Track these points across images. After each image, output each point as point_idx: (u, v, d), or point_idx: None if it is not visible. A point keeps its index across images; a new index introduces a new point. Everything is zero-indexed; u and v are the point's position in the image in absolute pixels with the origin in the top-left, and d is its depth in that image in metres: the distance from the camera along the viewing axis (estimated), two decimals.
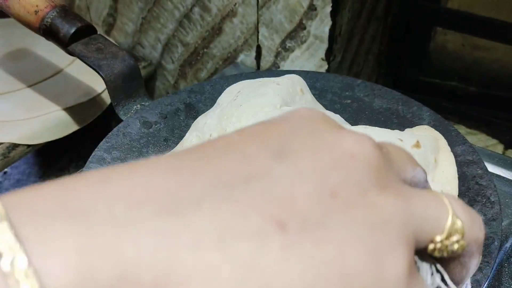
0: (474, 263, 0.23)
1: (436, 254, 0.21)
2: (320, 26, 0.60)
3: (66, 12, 0.50)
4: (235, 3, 0.64)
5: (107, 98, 0.69)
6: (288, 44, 0.63)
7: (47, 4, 0.50)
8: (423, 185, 0.24)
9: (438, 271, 0.22)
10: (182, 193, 0.17)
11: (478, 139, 0.71)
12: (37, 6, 0.50)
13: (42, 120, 0.64)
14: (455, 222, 0.21)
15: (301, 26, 0.61)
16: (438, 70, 0.74)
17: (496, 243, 0.38)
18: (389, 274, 0.18)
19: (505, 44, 0.65)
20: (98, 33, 0.53)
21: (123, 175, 0.17)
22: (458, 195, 0.43)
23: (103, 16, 0.79)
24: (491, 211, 0.40)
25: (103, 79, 0.49)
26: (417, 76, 0.75)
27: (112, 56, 0.51)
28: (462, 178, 0.44)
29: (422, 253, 0.21)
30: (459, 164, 0.45)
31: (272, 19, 0.63)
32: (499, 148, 0.71)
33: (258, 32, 0.65)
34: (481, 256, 0.24)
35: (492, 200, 0.41)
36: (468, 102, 0.73)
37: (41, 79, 0.69)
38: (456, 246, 0.21)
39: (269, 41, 0.65)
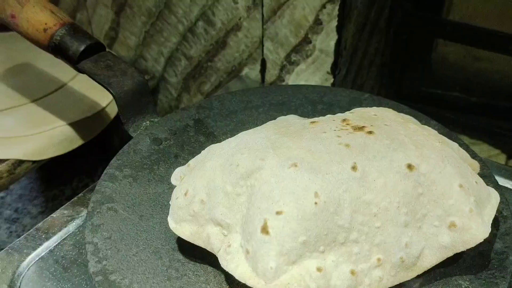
0: None
1: None
2: (326, 40, 0.60)
3: (75, 29, 0.50)
4: (240, 17, 0.65)
5: (111, 113, 0.69)
6: (293, 58, 0.64)
7: (56, 21, 0.50)
8: None
9: None
10: None
11: (481, 150, 0.72)
12: (46, 24, 0.50)
13: (47, 135, 0.64)
14: None
15: (306, 40, 0.62)
16: (440, 81, 0.75)
17: (510, 257, 0.38)
18: None
19: (507, 56, 0.66)
20: (107, 50, 0.53)
21: None
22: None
23: (105, 30, 0.79)
24: (504, 226, 0.41)
25: (113, 96, 0.49)
26: (419, 87, 0.75)
27: (122, 73, 0.51)
28: None
29: None
30: None
31: (277, 33, 0.63)
32: (501, 158, 0.72)
33: (263, 45, 0.65)
34: None
35: (505, 214, 0.41)
36: (470, 113, 0.74)
37: (44, 94, 0.69)
38: None
39: (274, 54, 0.65)
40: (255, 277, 0.33)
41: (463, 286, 0.37)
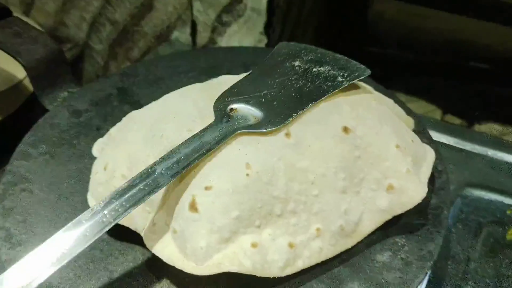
0: None
1: None
2: None
3: None
4: None
5: (30, 85, 0.64)
6: (225, 18, 0.60)
7: None
8: None
9: None
10: None
11: (418, 106, 0.72)
12: None
13: None
14: None
15: None
16: (377, 39, 0.74)
17: (445, 212, 0.38)
18: None
19: (443, 12, 0.66)
20: (15, 15, 0.48)
21: None
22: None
23: None
24: (439, 180, 0.41)
25: (23, 66, 0.45)
26: (355, 46, 0.74)
27: (32, 41, 0.46)
28: None
29: None
30: None
31: None
32: (437, 114, 0.73)
33: (192, 6, 0.62)
34: None
35: (440, 169, 0.41)
36: (407, 70, 0.73)
37: None
38: None
39: (204, 15, 0.61)
40: (184, 258, 0.31)
41: (399, 244, 0.36)
